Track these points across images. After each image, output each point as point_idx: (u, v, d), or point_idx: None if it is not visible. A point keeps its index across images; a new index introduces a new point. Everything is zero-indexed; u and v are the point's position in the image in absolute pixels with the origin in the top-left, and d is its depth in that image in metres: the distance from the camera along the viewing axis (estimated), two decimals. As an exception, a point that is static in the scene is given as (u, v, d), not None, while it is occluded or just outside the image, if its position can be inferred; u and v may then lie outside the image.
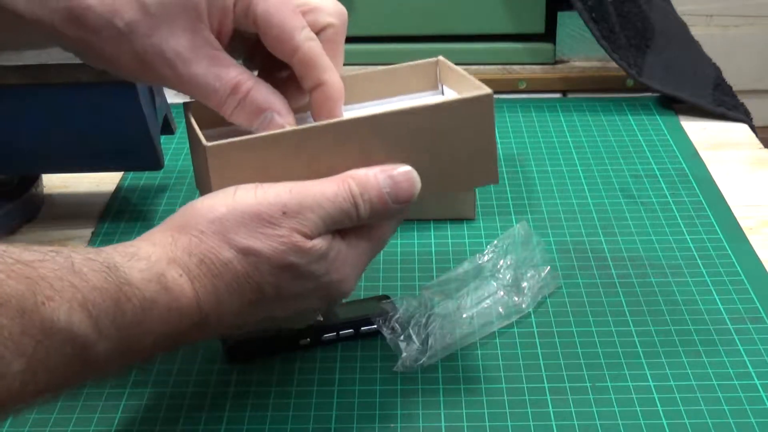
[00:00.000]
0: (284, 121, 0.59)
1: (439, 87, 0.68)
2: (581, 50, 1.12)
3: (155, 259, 0.53)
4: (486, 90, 0.61)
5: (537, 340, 0.69)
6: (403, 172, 0.58)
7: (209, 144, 0.57)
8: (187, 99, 0.62)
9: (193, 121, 0.61)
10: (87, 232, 0.83)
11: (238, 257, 0.54)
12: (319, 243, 0.56)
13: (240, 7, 0.58)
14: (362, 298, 0.72)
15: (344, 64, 0.62)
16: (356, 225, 0.58)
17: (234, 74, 0.58)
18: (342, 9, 0.62)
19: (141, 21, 0.56)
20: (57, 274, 0.48)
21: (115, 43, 0.57)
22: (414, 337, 0.67)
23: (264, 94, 0.58)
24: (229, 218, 0.55)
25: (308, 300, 0.58)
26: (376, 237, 0.59)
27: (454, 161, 0.60)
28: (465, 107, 0.60)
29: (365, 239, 0.59)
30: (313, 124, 0.59)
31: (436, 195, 0.61)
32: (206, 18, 0.57)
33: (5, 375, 0.45)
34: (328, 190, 0.56)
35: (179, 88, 0.58)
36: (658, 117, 1.01)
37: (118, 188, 0.90)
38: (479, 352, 0.68)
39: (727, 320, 0.70)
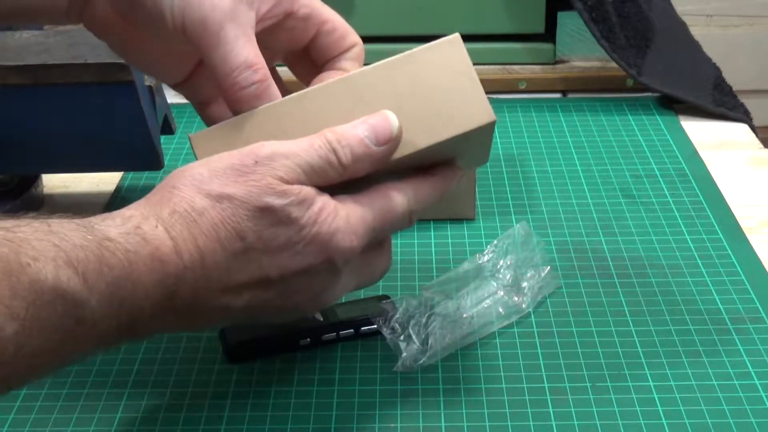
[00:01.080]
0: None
1: None
2: (581, 50, 1.12)
3: (129, 215, 0.53)
4: (455, 35, 0.60)
5: (537, 340, 0.69)
6: (377, 114, 0.58)
7: (193, 134, 0.59)
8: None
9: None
10: (87, 232, 0.83)
11: (212, 203, 0.54)
12: (297, 188, 0.55)
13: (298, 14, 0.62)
14: (362, 298, 0.72)
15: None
16: (342, 177, 0.56)
17: (257, 54, 0.59)
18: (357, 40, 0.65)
19: None
20: (37, 236, 0.48)
21: None
22: (414, 337, 0.67)
23: (273, 85, 0.59)
24: (203, 173, 0.55)
25: (302, 256, 0.55)
26: (381, 200, 0.58)
27: (441, 105, 0.59)
28: (436, 52, 0.60)
29: (366, 200, 0.57)
30: (289, 96, 0.59)
31: (429, 147, 0.59)
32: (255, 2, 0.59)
33: None
34: (305, 141, 0.56)
35: (201, 41, 0.59)
36: (658, 117, 1.01)
37: (118, 188, 0.90)
38: (479, 352, 0.68)
39: (727, 320, 0.70)
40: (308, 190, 0.55)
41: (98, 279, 0.49)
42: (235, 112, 0.59)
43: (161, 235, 0.53)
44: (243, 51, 0.58)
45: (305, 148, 0.56)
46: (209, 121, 0.66)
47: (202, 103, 0.66)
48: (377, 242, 0.59)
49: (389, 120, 0.58)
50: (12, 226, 0.48)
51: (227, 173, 0.55)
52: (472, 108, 0.59)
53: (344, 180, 0.57)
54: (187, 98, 0.67)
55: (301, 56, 0.65)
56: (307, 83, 0.65)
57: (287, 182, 0.55)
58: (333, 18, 0.63)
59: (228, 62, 0.58)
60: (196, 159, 0.58)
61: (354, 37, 0.64)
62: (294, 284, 0.56)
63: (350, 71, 0.62)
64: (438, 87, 0.59)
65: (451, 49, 0.60)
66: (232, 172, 0.55)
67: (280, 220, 0.54)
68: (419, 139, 0.59)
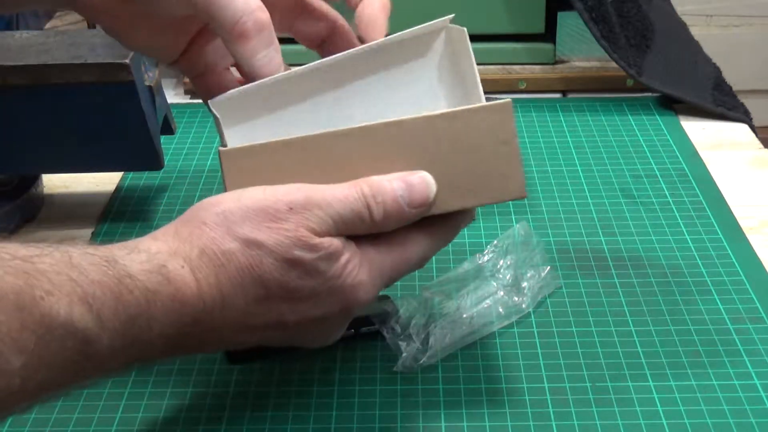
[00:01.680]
0: (280, 59, 0.59)
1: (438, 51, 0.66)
2: (581, 50, 1.12)
3: (155, 251, 0.52)
4: (506, 99, 0.60)
5: (537, 340, 0.69)
6: (418, 175, 0.57)
7: (223, 148, 0.57)
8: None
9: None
10: (87, 233, 0.83)
11: (242, 248, 0.53)
12: (327, 241, 0.55)
13: None
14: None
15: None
16: (371, 230, 0.56)
17: (260, 5, 0.58)
18: None
19: None
20: (55, 269, 0.47)
21: None
22: (414, 337, 0.67)
23: (274, 33, 0.59)
24: (234, 212, 0.54)
25: (322, 306, 0.56)
26: (399, 249, 0.58)
27: (477, 169, 0.59)
28: (485, 113, 0.59)
29: (385, 249, 0.57)
30: (329, 130, 0.58)
31: (457, 210, 0.59)
32: None
33: (5, 372, 0.44)
34: (339, 191, 0.56)
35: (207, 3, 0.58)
36: (658, 117, 1.01)
37: (118, 188, 0.90)
38: (479, 352, 0.68)
39: (727, 320, 0.70)
40: (337, 244, 0.55)
41: (113, 317, 0.49)
42: (247, 67, 0.58)
43: (187, 276, 0.53)
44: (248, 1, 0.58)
45: (340, 198, 0.55)
46: (205, 92, 0.65)
47: (197, 75, 0.66)
48: None
49: (427, 184, 0.57)
50: (32, 255, 0.47)
51: (259, 217, 0.54)
52: (507, 180, 0.59)
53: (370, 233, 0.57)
54: (182, 73, 0.67)
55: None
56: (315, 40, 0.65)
57: (318, 234, 0.54)
58: None
59: (232, 10, 0.57)
60: (223, 176, 0.57)
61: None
62: (308, 328, 0.57)
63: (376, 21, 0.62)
64: (479, 151, 0.58)
65: (500, 114, 0.59)
66: (265, 217, 0.54)
67: (308, 272, 0.54)
68: (450, 200, 0.58)
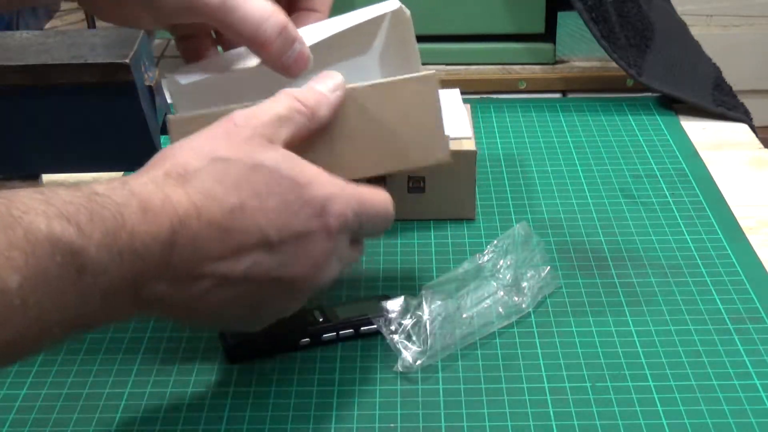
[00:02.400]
0: (307, 50, 0.63)
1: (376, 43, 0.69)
2: (581, 50, 1.12)
3: (116, 177, 0.54)
4: (429, 71, 0.66)
5: (537, 340, 0.69)
6: (324, 72, 0.63)
7: (171, 116, 0.63)
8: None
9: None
10: (87, 232, 0.83)
11: (206, 164, 0.55)
12: (282, 144, 0.58)
13: None
14: (362, 298, 0.72)
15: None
16: (311, 122, 0.60)
17: (274, 7, 0.62)
18: None
19: None
20: (27, 194, 0.48)
21: None
22: (414, 337, 0.67)
23: (294, 27, 0.63)
24: (194, 141, 0.57)
25: (299, 218, 0.57)
26: (362, 189, 0.61)
27: (404, 135, 0.64)
28: (411, 83, 0.65)
29: (350, 184, 0.60)
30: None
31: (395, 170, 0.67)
32: None
33: (4, 291, 0.45)
34: (266, 101, 0.60)
35: (219, 14, 0.61)
36: (658, 117, 1.01)
37: (118, 188, 0.90)
38: (479, 352, 0.68)
39: (727, 320, 0.70)
40: (289, 152, 0.58)
41: (92, 228, 0.49)
42: (276, 68, 0.63)
43: (151, 188, 0.53)
44: (264, 5, 0.61)
45: (269, 104, 0.59)
46: (188, 55, 0.68)
47: (182, 38, 0.68)
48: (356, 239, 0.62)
49: (332, 74, 0.63)
50: (2, 191, 0.48)
51: (217, 138, 0.57)
52: (431, 144, 0.65)
53: (314, 129, 0.61)
54: (167, 32, 0.71)
55: None
56: None
57: (270, 141, 0.57)
58: None
59: (250, 21, 0.61)
60: (171, 142, 0.60)
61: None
62: (292, 250, 0.57)
63: (321, 10, 0.68)
64: (406, 118, 0.64)
65: (425, 85, 0.65)
66: (222, 136, 0.57)
67: (273, 178, 0.56)
68: (382, 163, 0.65)
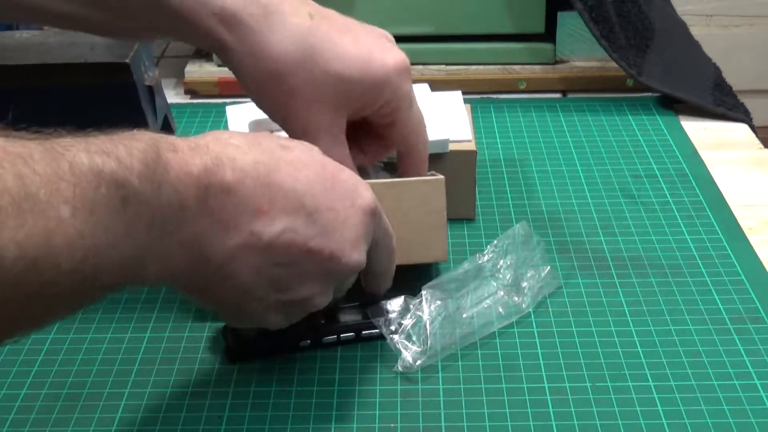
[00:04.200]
0: None
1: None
2: (581, 50, 1.12)
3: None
4: (439, 176, 0.71)
5: (537, 340, 0.69)
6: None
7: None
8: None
9: None
10: (87, 232, 0.83)
11: (238, 136, 0.58)
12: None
13: (383, 116, 0.68)
14: (363, 299, 0.72)
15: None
16: None
17: (345, 156, 0.67)
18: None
19: (306, 87, 0.65)
20: (68, 136, 0.50)
21: (289, 99, 0.66)
22: (414, 337, 0.67)
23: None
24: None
25: (330, 193, 0.59)
26: None
27: (407, 232, 0.69)
28: (419, 187, 0.70)
29: None
30: None
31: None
32: (352, 106, 0.67)
33: (59, 220, 0.45)
34: None
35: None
36: (658, 117, 1.01)
37: (118, 188, 0.90)
38: (479, 352, 0.68)
39: (727, 320, 0.70)
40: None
41: (131, 161, 0.50)
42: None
43: (181, 139, 0.55)
44: (332, 157, 0.63)
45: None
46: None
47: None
48: None
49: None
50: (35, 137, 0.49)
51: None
52: (433, 244, 0.70)
53: None
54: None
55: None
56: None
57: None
58: (415, 144, 0.71)
59: None
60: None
61: (421, 169, 0.72)
62: (328, 224, 0.58)
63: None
64: (411, 216, 0.69)
65: (433, 187, 0.70)
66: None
67: (305, 155, 0.60)
68: None
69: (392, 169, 0.75)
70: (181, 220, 0.53)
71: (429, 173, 0.72)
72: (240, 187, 0.55)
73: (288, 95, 0.65)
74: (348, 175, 0.60)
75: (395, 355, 0.66)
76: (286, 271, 0.58)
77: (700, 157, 0.93)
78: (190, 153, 0.54)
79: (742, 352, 0.67)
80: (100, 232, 0.47)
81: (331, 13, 0.67)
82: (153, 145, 0.52)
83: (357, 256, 0.60)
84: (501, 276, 0.72)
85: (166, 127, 0.85)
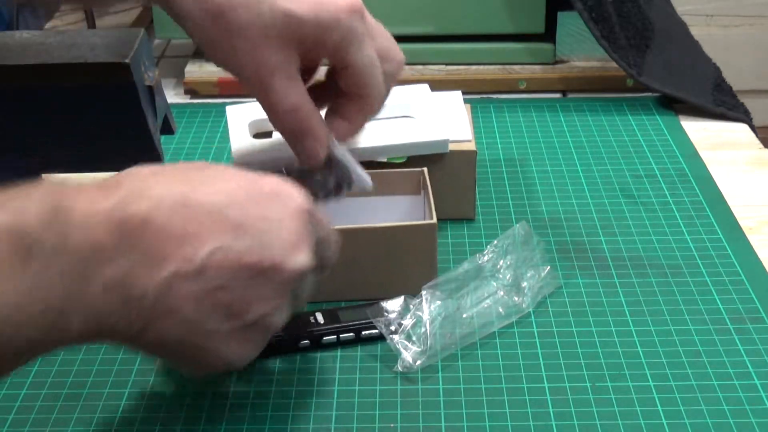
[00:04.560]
0: (320, 146, 0.67)
1: (422, 193, 0.77)
2: (581, 50, 1.12)
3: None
4: (432, 220, 0.72)
5: (537, 340, 0.69)
6: None
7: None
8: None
9: None
10: (87, 232, 0.83)
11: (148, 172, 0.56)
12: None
13: (336, 56, 0.66)
14: (363, 300, 0.72)
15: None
16: None
17: (302, 96, 0.66)
18: (402, 58, 0.70)
19: (252, 25, 0.64)
20: None
21: (233, 38, 0.64)
22: (414, 337, 0.67)
23: (314, 122, 0.67)
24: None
25: (258, 201, 0.55)
26: None
27: (397, 270, 0.72)
28: (411, 230, 0.71)
29: None
30: None
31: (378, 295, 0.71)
32: (302, 47, 0.65)
33: None
34: None
35: (253, 87, 0.66)
36: (658, 117, 1.01)
37: (118, 188, 0.90)
38: (479, 352, 0.68)
39: (727, 320, 0.70)
40: None
41: (29, 211, 0.48)
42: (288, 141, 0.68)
43: (96, 181, 0.53)
44: (289, 97, 0.64)
45: None
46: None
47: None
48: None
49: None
50: None
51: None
52: (420, 281, 0.70)
53: None
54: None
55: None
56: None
57: None
58: (365, 87, 0.67)
59: (278, 108, 0.65)
60: None
61: (376, 105, 0.69)
62: (261, 233, 0.54)
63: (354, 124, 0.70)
64: (405, 256, 0.72)
65: (425, 231, 0.71)
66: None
67: (222, 170, 0.57)
68: (370, 289, 0.72)
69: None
70: (98, 262, 0.49)
71: (369, 171, 0.71)
72: (157, 215, 0.51)
73: (233, 35, 0.63)
74: (272, 180, 0.57)
75: (395, 355, 0.66)
76: (231, 294, 0.53)
77: (700, 157, 0.93)
78: (97, 192, 0.51)
79: (742, 352, 0.67)
80: (8, 289, 0.46)
81: None
82: (51, 191, 0.50)
83: (301, 258, 0.55)
84: (501, 276, 0.72)
85: (166, 127, 0.85)
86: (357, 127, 0.70)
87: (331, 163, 0.69)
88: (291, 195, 0.57)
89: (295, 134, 0.67)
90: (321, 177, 0.69)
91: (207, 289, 0.52)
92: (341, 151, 0.69)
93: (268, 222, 0.54)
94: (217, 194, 0.54)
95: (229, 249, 0.53)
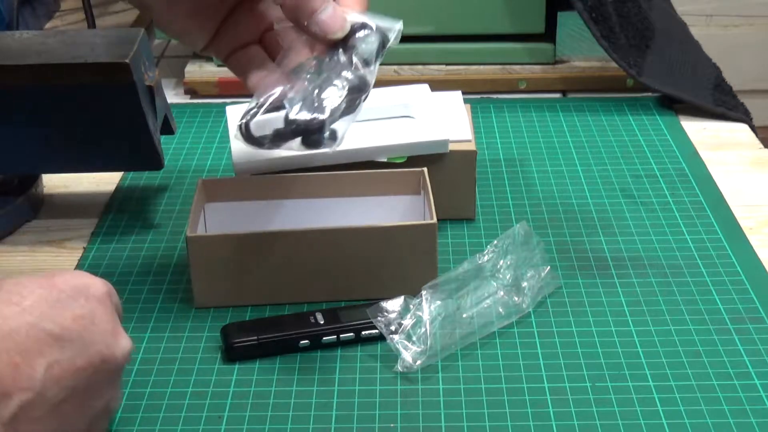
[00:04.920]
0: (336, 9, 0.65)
1: (421, 193, 0.77)
2: (581, 50, 1.12)
3: None
4: (432, 220, 0.72)
5: (537, 340, 0.69)
6: None
7: (190, 234, 0.70)
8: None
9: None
10: (87, 232, 0.83)
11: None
12: None
13: None
14: (363, 300, 0.72)
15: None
16: None
17: None
18: None
19: None
20: None
21: None
22: (414, 337, 0.67)
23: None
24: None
25: (66, 304, 0.55)
26: None
27: (397, 269, 0.72)
28: (411, 229, 0.71)
29: None
30: (281, 229, 0.72)
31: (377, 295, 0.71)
32: None
33: None
34: None
35: None
36: (658, 117, 1.01)
37: (118, 188, 0.90)
38: (479, 352, 0.68)
39: (727, 320, 0.70)
40: None
41: None
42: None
43: None
44: None
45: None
46: (239, 69, 0.71)
47: (229, 55, 0.72)
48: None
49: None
50: None
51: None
52: (421, 281, 0.69)
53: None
54: (214, 56, 0.74)
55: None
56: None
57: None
58: None
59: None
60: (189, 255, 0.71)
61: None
62: (82, 332, 0.54)
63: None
64: (404, 256, 0.71)
65: (426, 230, 0.71)
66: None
67: (18, 285, 0.54)
68: (371, 289, 0.72)
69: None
70: None
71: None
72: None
73: None
74: (65, 276, 0.56)
75: (395, 355, 0.66)
76: (76, 400, 0.54)
77: (700, 157, 0.93)
78: None
79: (742, 352, 0.67)
80: None
81: None
82: None
83: (124, 342, 0.57)
84: (501, 276, 0.72)
85: (166, 127, 0.85)
86: None
87: (347, 35, 0.66)
88: (89, 284, 0.56)
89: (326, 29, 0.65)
90: (338, 57, 0.66)
91: (53, 405, 0.53)
92: (356, 15, 0.67)
93: (82, 320, 0.54)
94: (23, 314, 0.53)
95: (61, 360, 0.53)
